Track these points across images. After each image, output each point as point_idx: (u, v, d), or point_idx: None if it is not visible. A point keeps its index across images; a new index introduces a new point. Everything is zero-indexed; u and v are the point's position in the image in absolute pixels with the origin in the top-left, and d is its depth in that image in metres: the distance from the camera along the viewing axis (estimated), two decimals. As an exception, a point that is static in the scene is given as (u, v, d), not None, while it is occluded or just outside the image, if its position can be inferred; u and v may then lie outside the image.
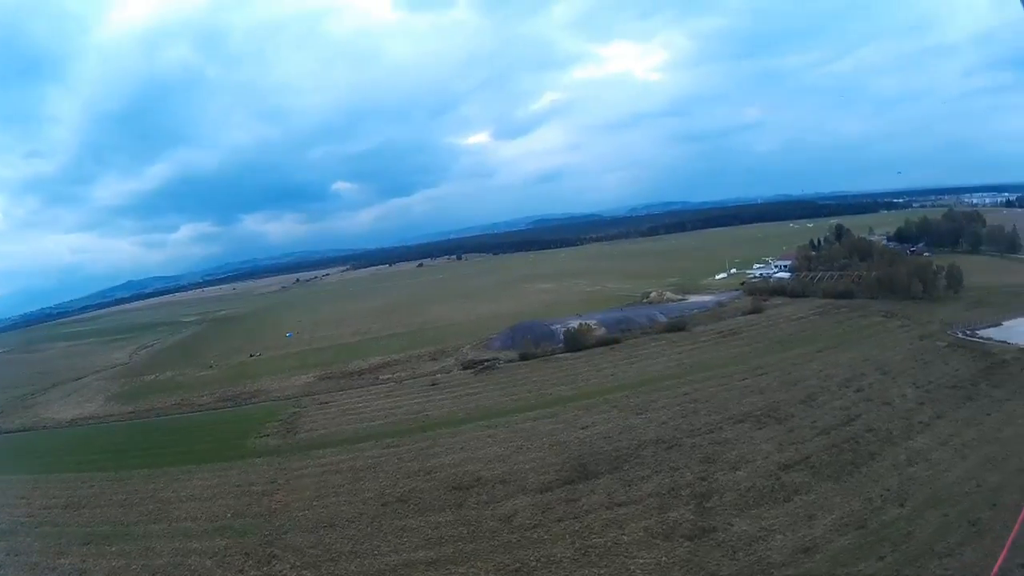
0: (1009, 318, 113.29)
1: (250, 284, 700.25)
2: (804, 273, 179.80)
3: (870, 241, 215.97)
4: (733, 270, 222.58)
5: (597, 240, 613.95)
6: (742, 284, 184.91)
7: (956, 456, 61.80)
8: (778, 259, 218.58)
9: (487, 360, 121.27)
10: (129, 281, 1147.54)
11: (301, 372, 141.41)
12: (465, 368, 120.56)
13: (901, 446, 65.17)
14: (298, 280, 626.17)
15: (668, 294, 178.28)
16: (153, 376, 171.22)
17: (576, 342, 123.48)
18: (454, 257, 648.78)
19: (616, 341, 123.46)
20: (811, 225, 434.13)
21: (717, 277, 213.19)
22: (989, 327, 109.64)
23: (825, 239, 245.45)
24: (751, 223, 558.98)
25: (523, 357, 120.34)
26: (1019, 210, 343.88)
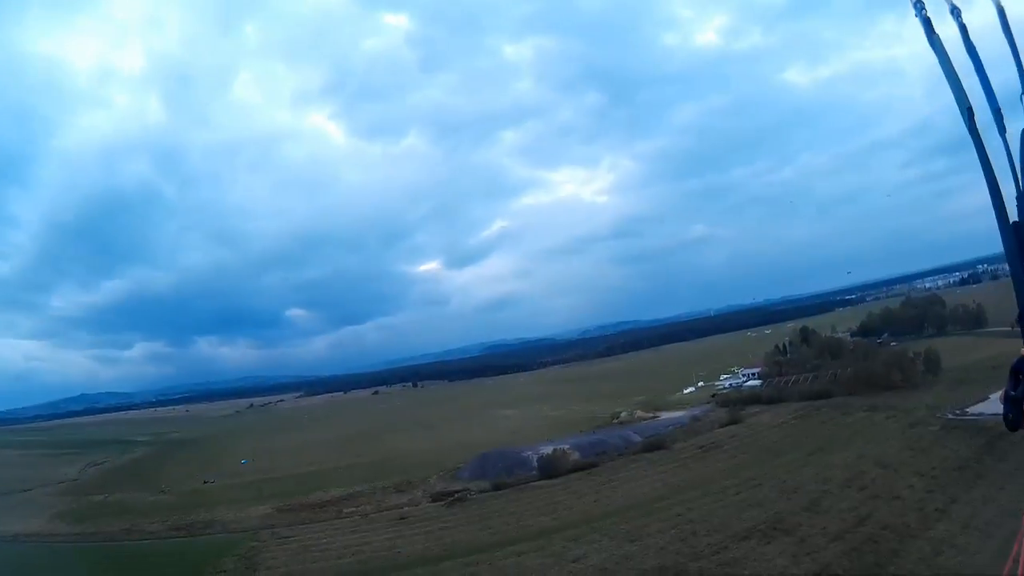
0: (994, 391, 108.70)
1: (203, 406, 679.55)
2: (776, 379, 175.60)
3: (839, 339, 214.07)
4: (701, 383, 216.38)
5: (554, 364, 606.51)
6: (713, 396, 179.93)
7: (982, 537, 57.75)
8: (746, 368, 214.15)
9: (458, 491, 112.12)
10: (83, 394, 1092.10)
11: (258, 502, 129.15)
12: (435, 500, 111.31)
13: (922, 538, 60.88)
14: (252, 405, 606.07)
15: (639, 413, 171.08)
16: (102, 496, 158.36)
17: (551, 468, 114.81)
18: (410, 384, 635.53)
19: (593, 465, 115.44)
20: (768, 332, 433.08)
21: (685, 392, 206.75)
22: (977, 403, 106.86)
23: (790, 343, 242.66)
24: (707, 336, 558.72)
25: (496, 487, 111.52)
26: (973, 287, 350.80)
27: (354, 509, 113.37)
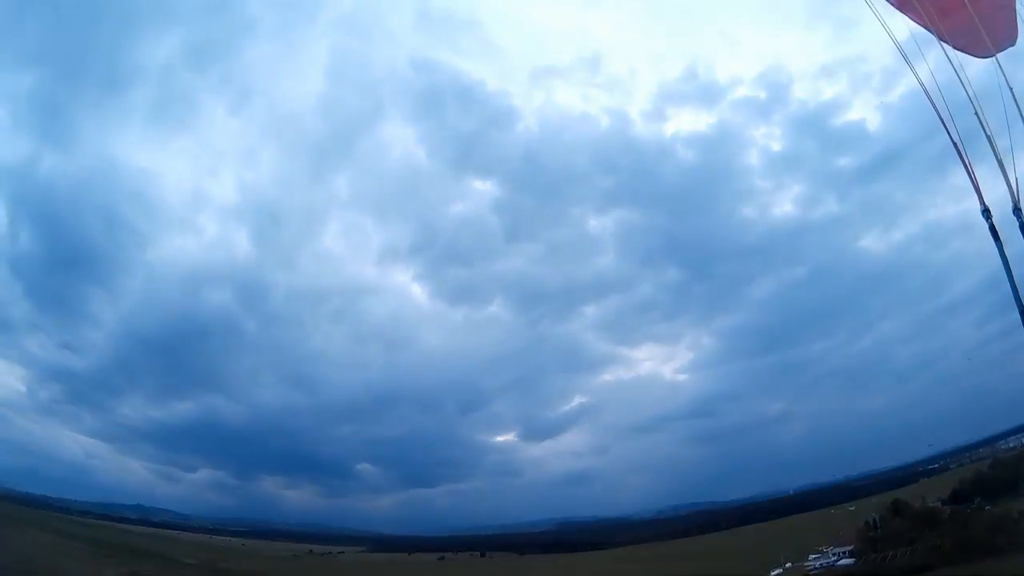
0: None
1: (261, 543, 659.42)
2: (869, 555, 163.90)
3: (933, 508, 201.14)
4: (788, 564, 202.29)
5: (629, 543, 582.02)
6: None
7: None
8: (835, 546, 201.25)
9: None
10: (139, 504, 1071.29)
11: None
12: None
13: None
14: (311, 552, 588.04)
15: None
16: None
17: None
18: (478, 553, 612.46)
19: None
20: (852, 508, 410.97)
21: (773, 573, 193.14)
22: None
23: (880, 518, 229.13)
24: (788, 515, 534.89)
25: None
26: None
27: None
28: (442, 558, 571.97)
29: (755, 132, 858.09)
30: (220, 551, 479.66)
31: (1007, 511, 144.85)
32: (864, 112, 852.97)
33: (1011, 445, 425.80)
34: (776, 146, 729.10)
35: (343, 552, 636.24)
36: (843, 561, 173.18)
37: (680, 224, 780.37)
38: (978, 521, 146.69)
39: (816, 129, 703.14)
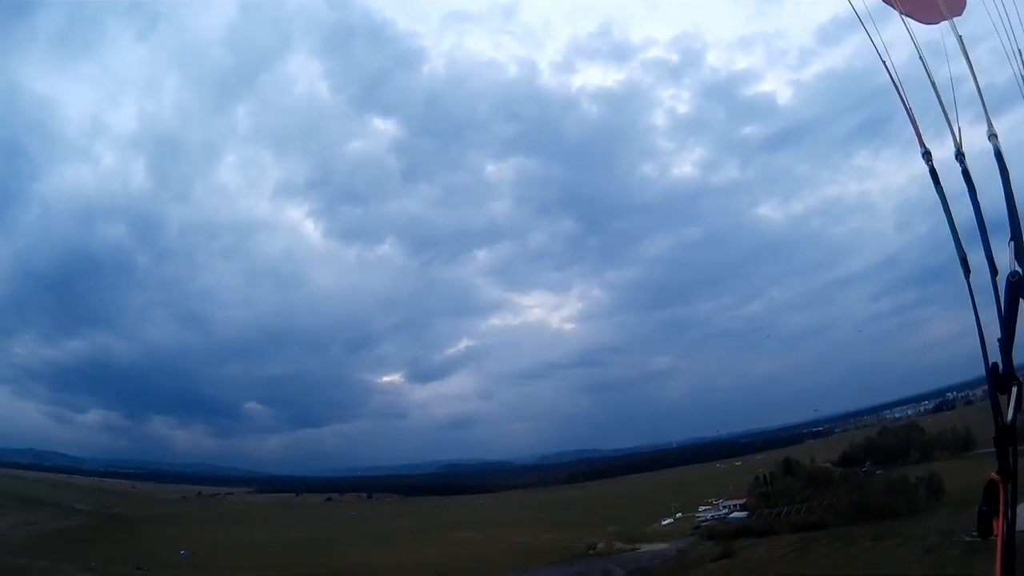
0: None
1: (151, 486, 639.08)
2: (762, 510, 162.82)
3: (826, 469, 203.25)
4: (679, 515, 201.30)
5: (514, 488, 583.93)
6: (696, 528, 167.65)
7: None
8: (727, 500, 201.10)
9: None
10: (31, 447, 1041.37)
11: None
12: None
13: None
14: (200, 493, 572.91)
15: (617, 544, 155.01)
16: (26, 562, 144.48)
17: None
18: (364, 495, 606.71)
19: None
20: (739, 463, 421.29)
21: (663, 523, 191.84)
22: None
23: (770, 474, 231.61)
24: (673, 467, 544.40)
25: None
26: (947, 412, 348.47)
27: None
28: (329, 499, 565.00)
29: (663, 93, 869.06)
30: (112, 495, 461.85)
31: (904, 476, 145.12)
32: (776, 86, 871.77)
33: (896, 415, 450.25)
34: (683, 108, 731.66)
35: (231, 493, 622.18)
36: (736, 515, 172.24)
37: (579, 176, 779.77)
38: (874, 484, 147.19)
39: (725, 96, 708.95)
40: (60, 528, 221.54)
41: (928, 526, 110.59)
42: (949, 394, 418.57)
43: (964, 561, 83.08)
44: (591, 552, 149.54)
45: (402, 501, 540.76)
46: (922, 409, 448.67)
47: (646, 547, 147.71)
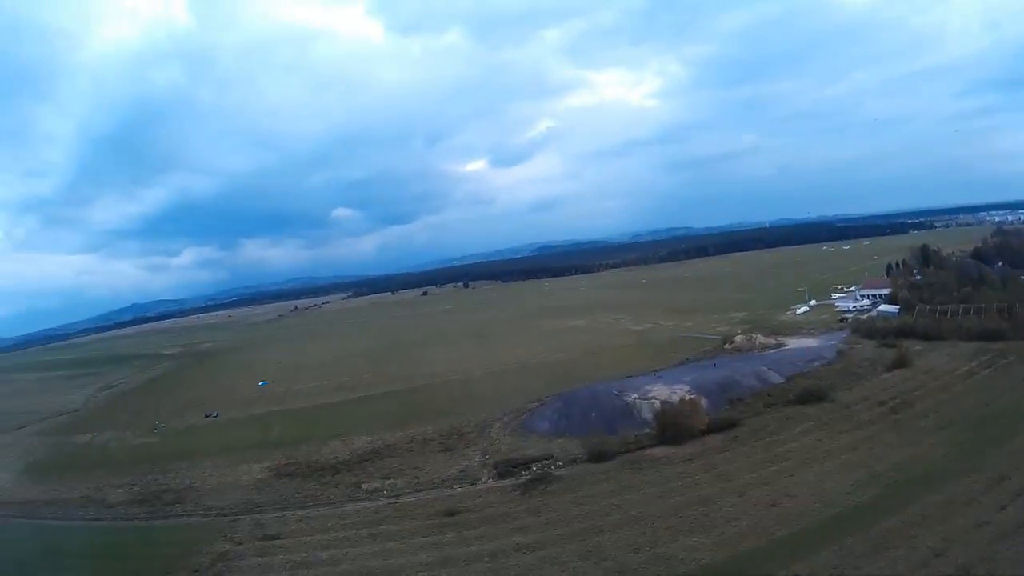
0: None
1: (248, 311, 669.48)
2: (917, 304, 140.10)
3: (979, 264, 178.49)
4: (812, 301, 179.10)
5: (613, 267, 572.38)
6: (841, 321, 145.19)
7: None
8: (862, 287, 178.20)
9: (535, 462, 76.78)
10: (134, 304, 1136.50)
11: (257, 455, 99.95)
12: (501, 475, 75.50)
13: None
14: (296, 308, 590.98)
15: (760, 338, 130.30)
16: (89, 437, 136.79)
17: (675, 428, 76.97)
18: (460, 284, 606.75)
19: (732, 424, 78.49)
20: (847, 247, 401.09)
21: (798, 311, 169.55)
22: None
23: (903, 262, 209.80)
24: (774, 246, 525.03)
25: (593, 456, 75.09)
26: None
27: (379, 485, 79.47)
28: (425, 293, 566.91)
29: None
30: (205, 330, 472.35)
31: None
32: None
33: (996, 219, 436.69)
34: None
35: (327, 302, 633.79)
36: (885, 308, 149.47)
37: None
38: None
39: None
40: (141, 384, 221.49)
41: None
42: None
43: None
44: (728, 346, 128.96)
45: (500, 288, 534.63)
46: (1022, 217, 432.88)
47: (793, 343, 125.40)
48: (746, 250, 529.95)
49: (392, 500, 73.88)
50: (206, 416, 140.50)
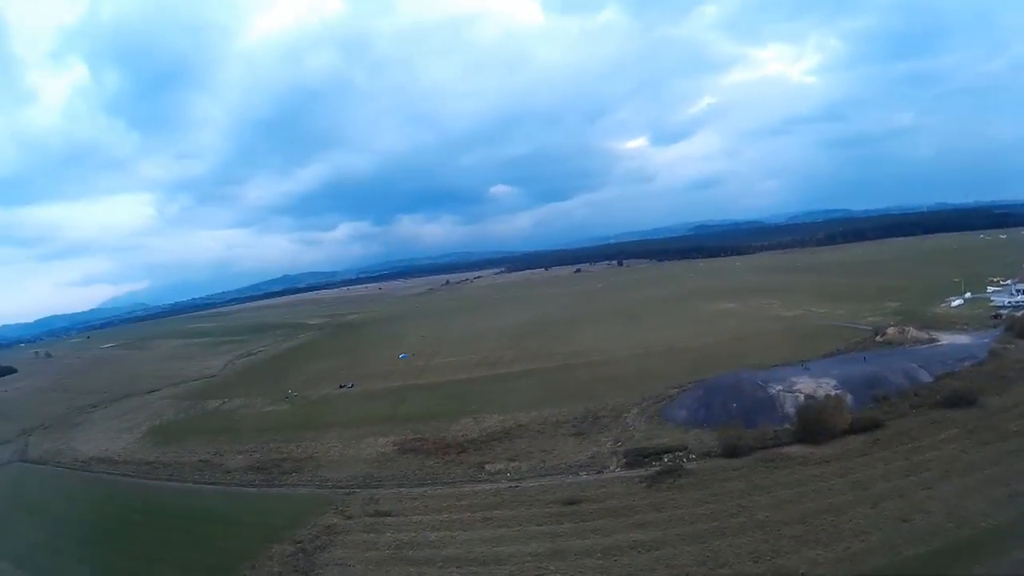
0: None
1: (398, 283, 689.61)
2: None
3: None
4: (967, 294, 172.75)
5: (768, 248, 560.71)
6: (995, 317, 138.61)
7: None
8: (1019, 281, 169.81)
9: (668, 453, 78.62)
10: (285, 275, 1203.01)
11: (384, 429, 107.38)
12: (630, 464, 77.77)
13: None
14: (448, 282, 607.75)
15: (912, 332, 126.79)
16: (219, 403, 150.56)
17: (816, 426, 76.88)
18: (614, 263, 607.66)
19: (876, 425, 77.72)
20: (1004, 236, 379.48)
21: (953, 303, 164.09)
22: None
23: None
24: (931, 232, 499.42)
25: (728, 450, 76.16)
26: None
27: (503, 467, 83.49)
28: (578, 270, 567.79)
29: None
30: (353, 302, 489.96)
31: None
32: None
33: None
34: None
35: (479, 277, 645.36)
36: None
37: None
38: None
39: None
40: (281, 352, 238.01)
41: None
42: None
43: None
44: (879, 339, 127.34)
45: (653, 267, 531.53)
46: None
47: (945, 338, 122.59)
48: (903, 235, 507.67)
49: (514, 484, 77.39)
50: (340, 387, 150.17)
